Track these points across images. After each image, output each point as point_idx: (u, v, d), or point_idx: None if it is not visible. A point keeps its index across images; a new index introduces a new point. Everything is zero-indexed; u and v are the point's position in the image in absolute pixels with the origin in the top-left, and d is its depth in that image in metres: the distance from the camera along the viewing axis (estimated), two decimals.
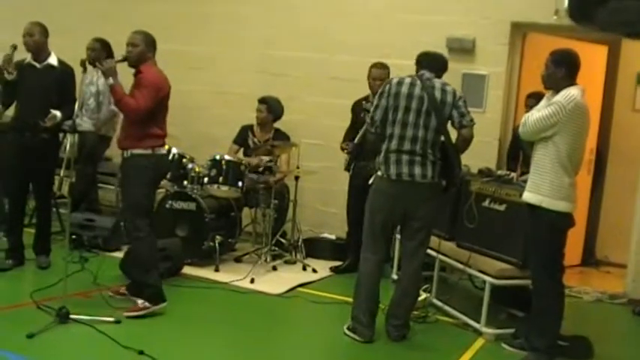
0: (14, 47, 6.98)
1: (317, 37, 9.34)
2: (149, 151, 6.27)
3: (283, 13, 9.59)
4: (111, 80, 6.18)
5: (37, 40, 7.15)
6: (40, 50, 7.16)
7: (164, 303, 6.32)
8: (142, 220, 6.31)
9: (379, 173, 5.99)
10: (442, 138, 6.00)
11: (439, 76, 6.08)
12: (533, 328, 5.88)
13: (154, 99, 6.21)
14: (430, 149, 5.92)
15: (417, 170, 5.87)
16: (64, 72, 7.22)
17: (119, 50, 8.55)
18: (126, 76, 6.35)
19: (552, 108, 5.57)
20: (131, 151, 6.28)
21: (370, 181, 6.14)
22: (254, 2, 9.79)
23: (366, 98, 7.95)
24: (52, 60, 7.22)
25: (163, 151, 6.49)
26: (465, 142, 6.02)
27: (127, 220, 6.51)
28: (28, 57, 7.18)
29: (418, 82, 5.95)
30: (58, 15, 8.84)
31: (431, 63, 6.12)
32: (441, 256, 7.08)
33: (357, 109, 8.05)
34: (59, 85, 7.14)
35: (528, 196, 5.76)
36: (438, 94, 5.92)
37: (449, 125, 6.03)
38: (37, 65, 7.17)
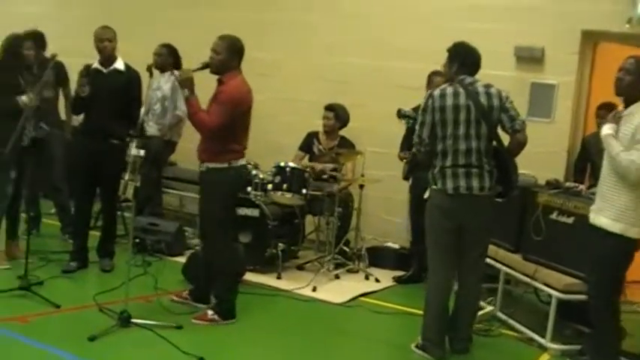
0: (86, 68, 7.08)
1: (383, 44, 9.27)
2: (225, 165, 6.12)
3: (349, 21, 9.53)
4: (186, 92, 6.03)
5: (115, 46, 7.26)
6: (112, 56, 7.25)
7: (233, 319, 6.30)
8: (222, 235, 6.27)
9: (434, 187, 5.77)
10: (494, 143, 5.81)
11: (472, 75, 5.81)
12: (595, 345, 5.70)
13: (229, 116, 6.00)
14: (485, 158, 5.71)
15: (475, 183, 5.66)
16: (131, 76, 7.29)
17: (186, 57, 8.70)
18: (208, 84, 6.23)
19: None
20: (207, 165, 6.16)
21: (425, 196, 5.94)
22: (320, 10, 9.78)
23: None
24: (119, 64, 7.29)
25: (241, 162, 6.27)
26: (520, 146, 5.78)
27: (205, 235, 6.47)
28: (94, 62, 7.24)
29: (461, 89, 5.69)
30: (125, 20, 8.90)
31: (467, 62, 5.80)
32: (505, 269, 6.96)
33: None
34: (126, 90, 7.20)
35: (607, 224, 5.29)
36: (483, 100, 5.68)
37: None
38: (104, 70, 7.23)
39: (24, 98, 7.05)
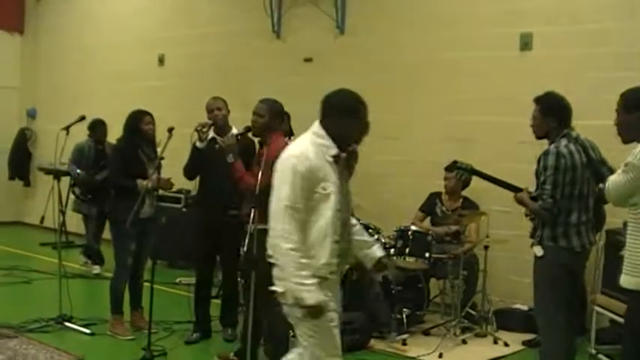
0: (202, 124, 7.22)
1: (504, 100, 9.10)
2: None
3: (469, 79, 9.45)
4: (231, 157, 6.33)
5: (225, 114, 7.40)
6: (225, 124, 7.37)
7: None
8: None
9: (553, 244, 5.69)
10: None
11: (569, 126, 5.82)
12: None
13: None
14: None
15: (592, 236, 5.74)
16: (246, 143, 7.24)
17: (303, 122, 8.74)
18: None
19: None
20: (258, 227, 6.11)
21: (539, 254, 5.80)
22: (439, 69, 9.71)
23: None
24: (234, 132, 7.35)
25: None
26: None
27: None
28: (211, 132, 7.34)
29: (578, 145, 5.72)
30: (243, 90, 9.07)
31: (569, 115, 5.82)
32: None
33: None
34: (242, 156, 7.24)
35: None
36: (592, 154, 5.76)
37: None
38: (219, 139, 7.34)
39: (143, 182, 7.35)
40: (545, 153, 5.72)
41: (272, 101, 6.59)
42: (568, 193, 5.63)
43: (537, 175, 5.83)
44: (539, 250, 5.77)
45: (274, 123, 6.48)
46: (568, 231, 5.63)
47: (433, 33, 9.76)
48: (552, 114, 5.79)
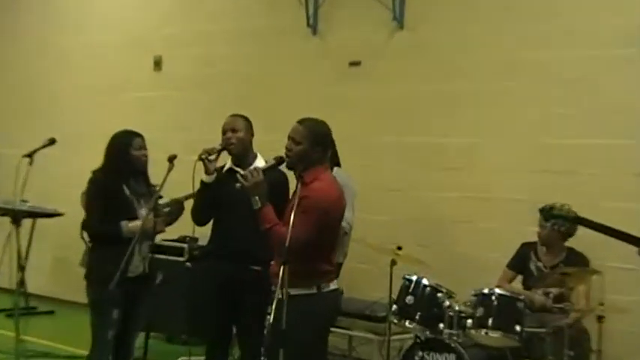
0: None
1: (616, 117, 8.71)
2: (314, 290, 6.11)
3: (566, 87, 9.06)
4: (257, 202, 6.01)
5: (243, 137, 7.16)
6: (245, 151, 7.11)
7: None
8: None
9: None
10: None
11: None
12: None
13: (317, 228, 5.95)
14: None
15: None
16: (276, 178, 6.89)
17: (347, 145, 8.42)
18: None
19: None
20: (289, 291, 5.88)
21: None
22: (525, 74, 9.35)
23: None
24: (259, 163, 7.04)
25: (333, 286, 6.30)
26: None
27: None
28: (227, 162, 7.13)
29: None
30: (269, 104, 8.76)
31: None
32: None
33: None
34: (270, 196, 6.72)
35: None
36: None
37: None
38: (241, 172, 6.87)
39: (129, 225, 7.15)
40: None
41: (314, 122, 6.27)
42: None
43: None
44: None
45: (314, 152, 6.13)
46: None
47: (517, 26, 9.45)
48: None
